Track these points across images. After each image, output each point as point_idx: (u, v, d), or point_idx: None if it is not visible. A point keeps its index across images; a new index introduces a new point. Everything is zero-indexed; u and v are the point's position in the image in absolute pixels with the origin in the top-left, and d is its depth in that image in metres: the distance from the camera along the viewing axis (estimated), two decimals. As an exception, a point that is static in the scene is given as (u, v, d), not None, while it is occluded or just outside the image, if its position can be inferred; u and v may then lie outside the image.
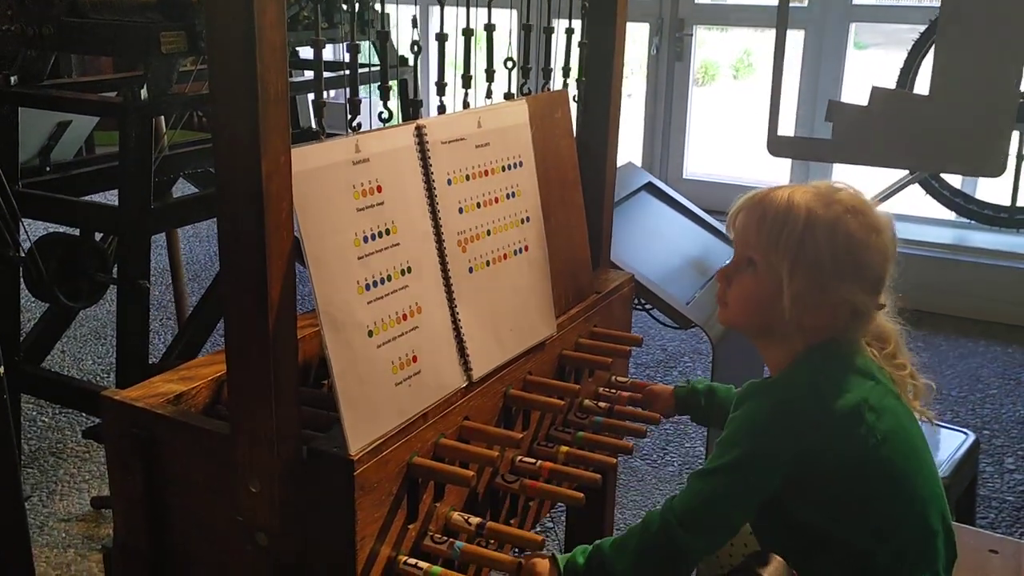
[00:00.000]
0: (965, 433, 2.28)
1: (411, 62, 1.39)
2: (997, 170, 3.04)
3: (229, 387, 1.17)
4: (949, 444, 2.24)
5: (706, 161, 5.96)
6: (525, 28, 1.64)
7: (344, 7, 2.61)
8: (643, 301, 2.39)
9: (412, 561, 1.25)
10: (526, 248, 1.53)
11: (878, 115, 3.03)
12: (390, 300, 1.25)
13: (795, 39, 5.28)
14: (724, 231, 1.43)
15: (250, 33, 1.02)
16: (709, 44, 9.33)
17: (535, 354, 1.55)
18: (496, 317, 1.44)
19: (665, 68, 6.00)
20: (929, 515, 1.31)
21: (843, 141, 3.09)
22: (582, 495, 1.41)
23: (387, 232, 1.26)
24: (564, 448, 1.55)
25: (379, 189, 1.25)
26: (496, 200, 1.47)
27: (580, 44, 1.77)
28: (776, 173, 5.23)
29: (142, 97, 2.51)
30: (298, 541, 1.20)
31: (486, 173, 1.46)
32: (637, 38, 6.18)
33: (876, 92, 3.07)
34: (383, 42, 1.35)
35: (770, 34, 3.37)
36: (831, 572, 1.31)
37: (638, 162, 6.42)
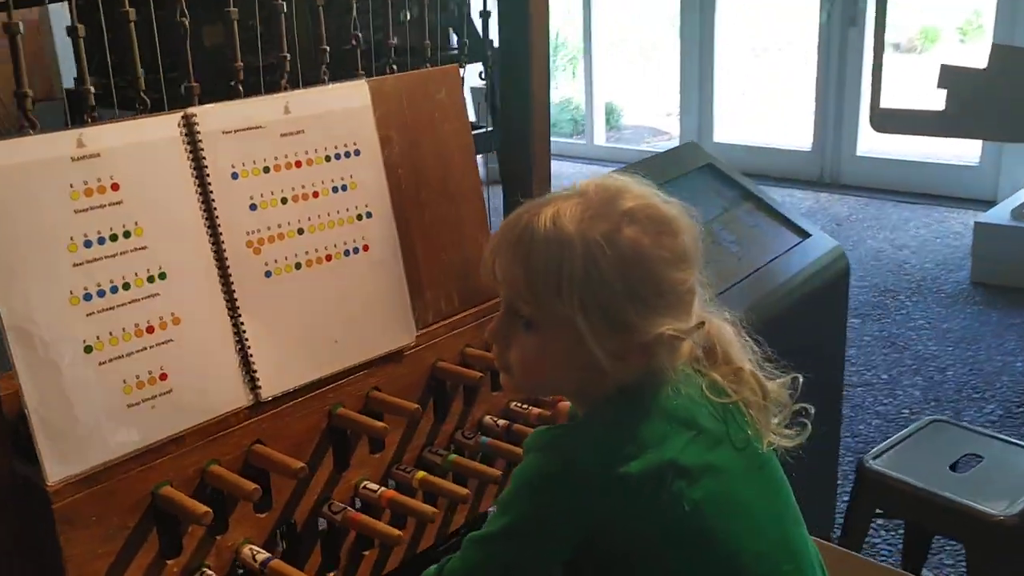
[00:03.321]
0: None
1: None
2: None
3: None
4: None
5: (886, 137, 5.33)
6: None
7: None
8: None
9: (159, 602, 1.12)
10: (365, 247, 1.34)
11: (999, 78, 2.50)
12: (126, 311, 1.12)
13: None
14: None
15: None
16: (930, 6, 8.42)
17: (386, 366, 1.36)
18: (307, 327, 1.27)
19: (837, 35, 5.46)
20: (756, 570, 1.02)
21: (957, 111, 2.57)
22: (399, 533, 1.22)
23: (127, 235, 1.13)
24: (421, 474, 1.35)
25: (114, 187, 1.12)
26: (316, 194, 1.30)
27: (481, 13, 1.55)
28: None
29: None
30: (16, 580, 1.10)
31: (298, 164, 1.29)
32: (808, 2, 5.66)
33: (996, 50, 2.53)
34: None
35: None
36: None
37: (808, 145, 5.88)
